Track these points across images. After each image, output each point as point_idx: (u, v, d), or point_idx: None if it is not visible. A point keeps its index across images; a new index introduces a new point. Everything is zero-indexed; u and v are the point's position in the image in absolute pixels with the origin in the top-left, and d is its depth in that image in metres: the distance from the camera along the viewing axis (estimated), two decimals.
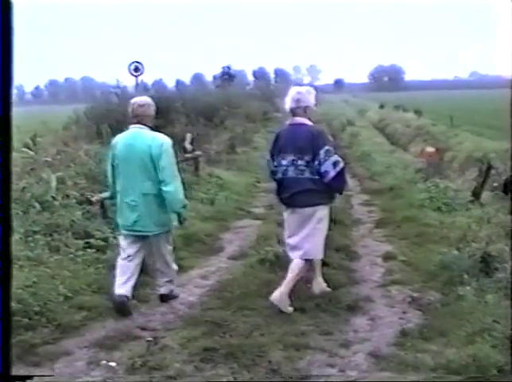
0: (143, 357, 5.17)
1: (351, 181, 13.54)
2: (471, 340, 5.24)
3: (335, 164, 6.37)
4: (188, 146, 13.93)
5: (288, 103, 6.61)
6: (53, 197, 8.75)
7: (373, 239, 9.67)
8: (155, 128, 6.66)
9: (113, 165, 6.54)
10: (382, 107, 51.38)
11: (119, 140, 6.53)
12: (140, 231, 6.42)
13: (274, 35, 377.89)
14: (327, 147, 6.40)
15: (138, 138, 6.38)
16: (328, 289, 6.79)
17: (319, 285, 6.78)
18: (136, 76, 15.88)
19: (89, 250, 7.66)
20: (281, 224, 9.80)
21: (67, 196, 9.01)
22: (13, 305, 5.09)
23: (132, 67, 15.74)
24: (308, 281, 6.83)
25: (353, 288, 7.09)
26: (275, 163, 6.63)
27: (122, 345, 5.51)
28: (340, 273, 7.50)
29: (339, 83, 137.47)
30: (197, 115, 19.37)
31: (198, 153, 14.50)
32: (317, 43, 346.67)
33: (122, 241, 6.56)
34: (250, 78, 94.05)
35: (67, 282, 6.59)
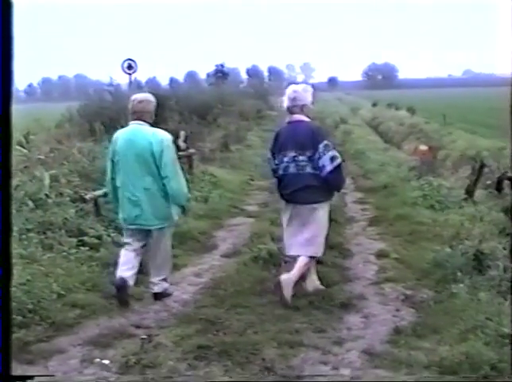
0: (137, 355, 5.16)
1: None
2: (464, 337, 5.25)
3: (332, 159, 6.49)
4: (181, 143, 13.91)
5: (285, 102, 6.70)
6: (46, 195, 8.73)
7: (366, 237, 9.68)
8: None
9: (113, 161, 6.61)
10: (375, 105, 51.57)
11: (119, 136, 6.61)
12: (142, 225, 6.54)
13: (268, 33, 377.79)
14: (325, 142, 6.54)
15: (139, 134, 6.46)
16: (322, 286, 6.81)
17: (312, 282, 6.78)
18: (129, 74, 15.87)
19: (82, 248, 7.65)
20: (274, 222, 9.90)
21: (61, 194, 8.99)
22: None
23: (125, 65, 15.72)
24: (302, 278, 6.85)
25: (346, 286, 7.10)
26: (276, 161, 6.75)
27: (116, 343, 5.50)
28: (334, 271, 7.51)
29: (332, 81, 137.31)
30: (191, 113, 19.38)
31: (192, 151, 14.50)
32: (311, 41, 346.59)
33: (126, 235, 6.74)
34: (244, 76, 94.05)
35: (60, 280, 6.57)
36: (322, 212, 6.68)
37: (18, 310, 5.60)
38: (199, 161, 15.40)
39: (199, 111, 21.00)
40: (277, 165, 6.75)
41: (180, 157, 13.15)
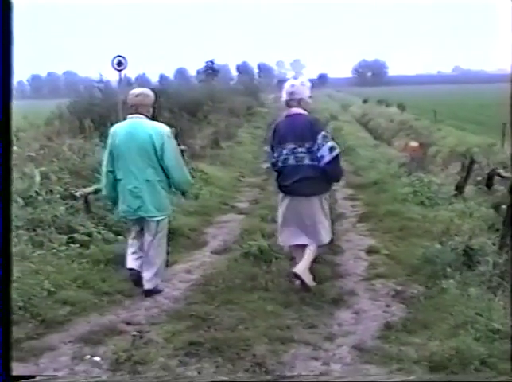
0: (128, 352, 5.16)
1: None
2: (454, 332, 5.29)
3: (331, 149, 6.61)
4: None
5: (283, 96, 6.85)
6: (36, 192, 8.71)
7: (356, 233, 9.69)
8: None
9: (112, 155, 6.69)
10: (365, 101, 51.63)
11: (118, 130, 6.73)
12: (142, 216, 6.69)
13: (258, 30, 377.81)
14: (324, 133, 6.67)
15: (138, 127, 6.61)
16: (313, 282, 6.83)
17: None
18: (119, 71, 15.75)
19: (72, 245, 7.65)
20: (264, 219, 9.93)
21: (51, 191, 8.98)
22: None
23: (115, 61, 15.60)
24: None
25: (337, 282, 7.12)
26: (275, 154, 6.84)
27: (107, 340, 5.49)
28: (324, 267, 7.51)
29: (322, 78, 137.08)
30: (181, 110, 19.31)
31: (182, 147, 14.40)
32: (301, 38, 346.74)
33: (129, 226, 7.05)
34: (234, 73, 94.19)
35: (50, 277, 6.56)
36: (323, 201, 6.83)
37: None
38: (189, 158, 15.34)
39: (189, 108, 20.95)
40: (275, 158, 6.84)
41: None
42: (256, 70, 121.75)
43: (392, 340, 5.39)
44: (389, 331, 5.62)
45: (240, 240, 8.74)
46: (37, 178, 9.13)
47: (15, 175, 9.19)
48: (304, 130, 6.62)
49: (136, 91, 6.86)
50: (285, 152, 6.70)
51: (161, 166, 6.60)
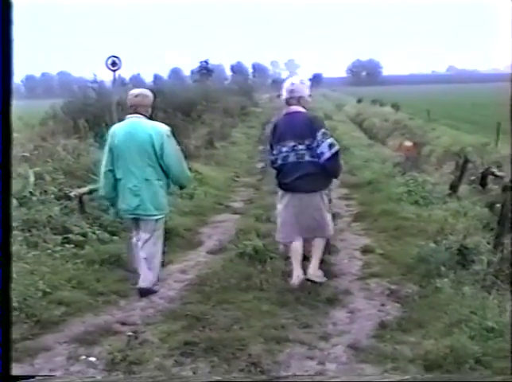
0: (123, 352, 5.17)
1: None
2: (448, 331, 5.30)
3: (330, 146, 6.69)
4: None
5: (283, 94, 6.94)
6: (31, 193, 8.69)
7: (351, 232, 9.70)
8: None
9: (111, 154, 6.73)
10: (359, 101, 51.63)
11: (117, 130, 6.78)
12: (141, 215, 6.74)
13: (253, 30, 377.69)
14: (323, 130, 6.75)
15: (138, 127, 6.68)
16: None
17: (301, 276, 6.84)
18: (113, 71, 15.70)
19: (67, 245, 7.64)
20: (259, 219, 9.94)
21: (45, 191, 8.96)
22: None
23: (109, 61, 15.55)
24: (289, 274, 6.91)
25: (332, 281, 7.12)
26: (275, 152, 6.90)
27: (102, 340, 5.49)
28: (319, 266, 7.51)
29: (317, 78, 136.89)
30: (175, 110, 19.26)
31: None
32: (295, 38, 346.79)
33: (126, 225, 7.18)
34: (228, 73, 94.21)
35: (45, 277, 6.55)
36: (323, 196, 6.92)
37: None
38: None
39: (183, 108, 20.91)
40: (275, 155, 6.88)
41: None
42: (250, 70, 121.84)
43: (387, 339, 5.40)
44: (383, 330, 5.62)
45: (235, 240, 8.73)
46: (31, 179, 9.11)
47: None
48: (303, 127, 6.68)
49: (135, 91, 6.92)
50: (284, 149, 6.75)
51: (160, 166, 6.68)
